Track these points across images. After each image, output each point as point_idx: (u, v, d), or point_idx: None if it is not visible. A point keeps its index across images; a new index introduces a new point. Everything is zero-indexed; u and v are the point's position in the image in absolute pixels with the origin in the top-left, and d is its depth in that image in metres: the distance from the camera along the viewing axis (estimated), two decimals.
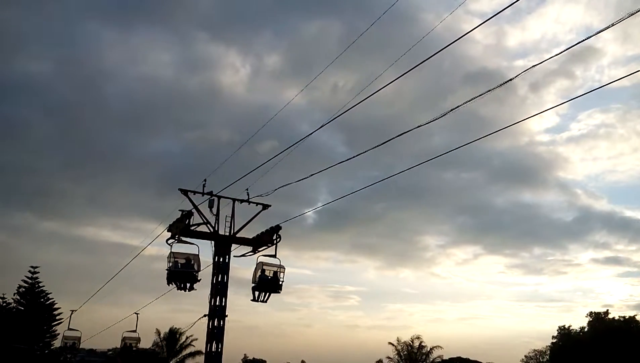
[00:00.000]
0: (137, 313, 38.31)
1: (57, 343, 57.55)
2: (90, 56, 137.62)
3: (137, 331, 40.12)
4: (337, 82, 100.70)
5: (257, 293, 22.17)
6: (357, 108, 13.20)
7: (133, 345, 41.43)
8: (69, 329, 41.09)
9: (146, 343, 65.67)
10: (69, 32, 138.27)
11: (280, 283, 22.10)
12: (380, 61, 13.05)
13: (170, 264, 22.35)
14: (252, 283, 22.19)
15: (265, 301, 22.24)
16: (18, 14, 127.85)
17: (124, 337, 40.67)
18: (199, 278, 22.53)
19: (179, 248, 22.53)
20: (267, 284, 21.94)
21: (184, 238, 22.53)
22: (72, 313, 40.90)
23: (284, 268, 22.21)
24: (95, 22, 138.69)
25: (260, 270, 22.19)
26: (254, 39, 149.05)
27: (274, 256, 22.31)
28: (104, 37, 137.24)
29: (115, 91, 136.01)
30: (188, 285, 22.52)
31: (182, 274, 22.39)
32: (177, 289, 22.49)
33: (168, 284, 22.59)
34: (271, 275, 22.19)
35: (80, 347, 44.21)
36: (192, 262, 22.67)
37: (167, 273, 22.30)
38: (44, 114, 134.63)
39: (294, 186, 18.28)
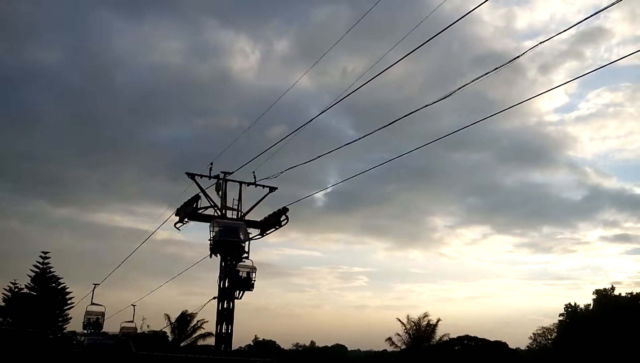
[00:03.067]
0: (134, 305, 38.97)
1: (69, 327, 58.34)
2: (101, 45, 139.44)
3: (134, 321, 40.56)
4: (347, 68, 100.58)
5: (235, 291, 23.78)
6: (366, 93, 13.24)
7: (131, 333, 42.23)
8: (92, 304, 39.26)
9: (158, 325, 66.65)
10: (79, 21, 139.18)
11: (253, 282, 23.24)
12: (390, 46, 13.10)
13: (214, 233, 21.13)
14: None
15: (240, 298, 23.53)
16: (29, 4, 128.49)
17: (122, 327, 41.45)
18: (246, 250, 21.46)
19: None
20: (240, 283, 23.39)
21: (228, 206, 21.61)
22: (95, 287, 39.22)
23: (256, 269, 23.37)
24: (105, 11, 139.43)
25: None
26: (264, 25, 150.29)
27: (247, 258, 23.58)
28: (115, 26, 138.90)
29: (126, 79, 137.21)
30: (236, 256, 21.46)
31: (228, 244, 21.27)
32: (222, 261, 21.50)
33: (211, 256, 21.48)
34: (244, 275, 23.59)
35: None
36: (239, 231, 21.60)
37: (211, 244, 21.14)
38: (56, 103, 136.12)
39: (303, 170, 18.25)
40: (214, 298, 22.57)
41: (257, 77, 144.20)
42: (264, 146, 19.06)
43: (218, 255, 21.52)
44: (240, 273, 23.88)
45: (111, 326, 42.21)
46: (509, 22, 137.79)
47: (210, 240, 21.33)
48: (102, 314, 39.63)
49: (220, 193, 23.16)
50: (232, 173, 22.73)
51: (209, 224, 23.14)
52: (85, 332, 39.78)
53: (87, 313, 39.47)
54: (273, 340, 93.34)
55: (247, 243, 22.15)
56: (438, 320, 64.13)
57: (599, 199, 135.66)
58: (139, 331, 45.09)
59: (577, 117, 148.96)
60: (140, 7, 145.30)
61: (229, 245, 21.26)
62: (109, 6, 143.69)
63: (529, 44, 11.67)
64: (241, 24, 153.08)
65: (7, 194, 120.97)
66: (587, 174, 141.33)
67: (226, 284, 22.38)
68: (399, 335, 64.11)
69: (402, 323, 64.13)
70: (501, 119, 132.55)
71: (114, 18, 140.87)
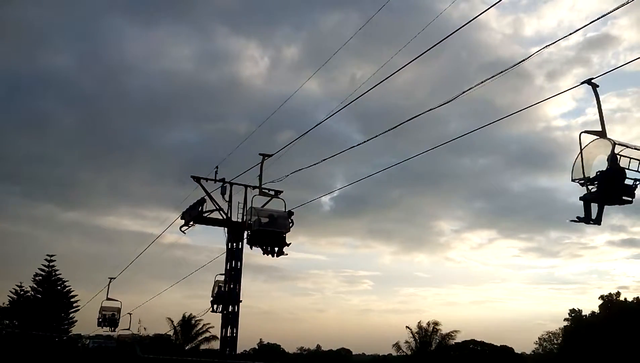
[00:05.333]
0: (130, 314, 38.24)
1: (75, 330, 58.51)
2: (112, 51, 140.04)
3: (130, 329, 39.85)
4: (356, 75, 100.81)
5: (215, 305, 24.36)
6: (375, 99, 13.30)
7: (128, 340, 41.99)
8: (108, 299, 37.12)
9: (162, 329, 66.85)
10: (91, 27, 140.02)
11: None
12: (399, 52, 13.03)
13: (252, 222, 19.37)
14: (211, 297, 24.62)
15: (222, 312, 24.13)
16: (42, 10, 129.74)
17: (119, 335, 41.17)
18: (288, 242, 19.47)
19: (259, 201, 19.93)
20: (223, 298, 24.05)
21: (264, 190, 19.82)
22: (110, 282, 37.04)
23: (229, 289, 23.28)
24: (117, 18, 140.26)
25: (217, 287, 25.08)
26: (273, 32, 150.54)
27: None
28: (126, 32, 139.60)
29: (137, 84, 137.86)
30: (276, 249, 19.50)
31: (269, 234, 19.23)
32: (264, 253, 19.61)
33: (251, 247, 19.62)
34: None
35: (98, 333, 44.40)
36: (279, 221, 19.58)
37: (251, 233, 19.29)
38: (66, 108, 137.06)
39: (310, 174, 18.06)
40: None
41: (266, 83, 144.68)
42: (271, 150, 18.94)
43: (257, 246, 19.59)
44: (223, 289, 24.63)
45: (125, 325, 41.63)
46: (516, 30, 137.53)
47: (249, 229, 19.65)
48: (118, 310, 37.83)
49: (225, 196, 23.19)
50: (238, 176, 22.49)
51: (214, 226, 23.21)
52: (100, 328, 38.34)
53: (102, 309, 37.68)
54: (278, 343, 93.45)
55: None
56: (454, 332, 64.39)
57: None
58: (135, 333, 44.95)
59: (584, 122, 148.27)
60: (152, 14, 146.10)
61: (271, 236, 19.38)
62: (121, 13, 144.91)
63: (536, 50, 11.64)
64: (251, 31, 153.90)
65: (16, 198, 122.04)
66: None
67: (231, 286, 22.41)
68: (407, 342, 64.13)
69: (410, 330, 64.20)
70: (509, 125, 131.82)
71: (125, 25, 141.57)
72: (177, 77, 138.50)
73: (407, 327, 64.68)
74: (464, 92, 12.15)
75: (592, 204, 10.72)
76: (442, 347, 64.19)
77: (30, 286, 57.23)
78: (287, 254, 19.54)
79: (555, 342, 71.40)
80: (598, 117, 10.58)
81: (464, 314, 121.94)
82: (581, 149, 10.66)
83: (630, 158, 10.63)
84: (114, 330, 38.28)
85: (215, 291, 25.33)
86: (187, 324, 65.19)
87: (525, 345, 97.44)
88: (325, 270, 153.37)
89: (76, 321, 59.00)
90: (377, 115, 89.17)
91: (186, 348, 63.79)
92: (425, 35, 12.44)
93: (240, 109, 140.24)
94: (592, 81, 10.47)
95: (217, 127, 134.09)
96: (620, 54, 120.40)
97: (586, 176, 10.59)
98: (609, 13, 9.96)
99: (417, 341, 63.53)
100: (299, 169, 17.72)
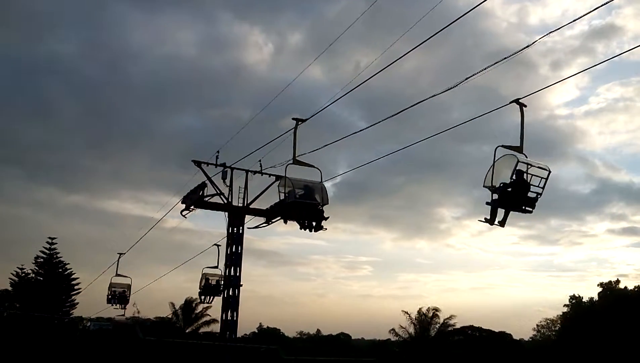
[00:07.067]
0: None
1: (76, 312, 58.88)
2: (116, 37, 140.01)
3: (124, 314, 39.67)
4: (361, 62, 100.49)
5: (202, 297, 27.43)
6: (379, 86, 13.31)
7: (129, 322, 42.34)
8: (117, 275, 35.55)
9: (164, 312, 67.36)
10: (95, 13, 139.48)
11: (222, 289, 24.18)
12: (405, 40, 12.85)
13: (285, 194, 18.01)
14: (199, 289, 27.26)
15: (211, 303, 27.72)
16: None
17: (115, 318, 41.71)
18: (326, 216, 17.96)
19: (293, 172, 17.79)
20: (210, 290, 26.90)
21: (300, 160, 17.30)
22: (120, 257, 35.58)
23: (224, 277, 23.93)
24: (121, 4, 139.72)
25: (204, 279, 27.21)
26: (278, 18, 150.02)
27: (217, 267, 26.20)
28: (130, 19, 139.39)
29: (140, 70, 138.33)
30: (314, 222, 18.03)
31: (306, 207, 17.77)
32: (300, 228, 18.21)
33: (285, 221, 18.88)
34: (214, 282, 26.84)
35: (99, 315, 44.68)
36: (314, 191, 18.03)
37: (285, 206, 18.17)
38: (69, 94, 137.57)
39: (314, 161, 17.60)
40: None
41: (270, 70, 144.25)
42: (274, 136, 18.84)
43: (292, 220, 18.58)
44: (210, 281, 26.91)
45: (112, 313, 41.59)
46: (521, 18, 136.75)
47: (280, 201, 18.60)
48: (129, 287, 36.25)
49: (226, 181, 23.26)
50: (238, 161, 22.53)
51: (216, 211, 23.27)
52: (111, 305, 37.52)
53: (112, 285, 36.10)
54: (277, 328, 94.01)
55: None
56: (451, 316, 64.63)
57: (607, 193, 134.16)
58: (135, 316, 45.24)
59: (587, 111, 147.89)
60: (156, 0, 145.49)
61: (308, 208, 17.86)
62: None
63: (542, 40, 11.65)
64: (255, 17, 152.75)
65: (19, 181, 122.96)
66: (596, 167, 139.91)
67: (231, 271, 22.52)
68: (402, 327, 64.42)
69: (408, 316, 64.46)
70: (512, 113, 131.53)
71: (129, 10, 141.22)
72: (180, 63, 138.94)
73: (404, 311, 65.00)
74: (466, 79, 12.24)
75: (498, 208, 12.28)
76: (441, 333, 64.52)
77: (31, 269, 57.53)
78: (326, 228, 18.12)
79: (553, 328, 71.76)
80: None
81: (463, 300, 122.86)
82: (494, 162, 11.97)
83: (533, 175, 12.24)
84: (125, 308, 37.21)
85: (202, 284, 27.09)
86: (188, 307, 65.65)
87: (523, 331, 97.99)
88: (326, 256, 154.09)
89: (78, 303, 59.43)
90: (382, 102, 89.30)
91: (187, 331, 64.32)
92: (430, 23, 12.45)
93: (243, 96, 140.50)
94: (520, 101, 11.73)
95: (220, 114, 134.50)
96: (625, 43, 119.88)
97: (493, 185, 12.12)
98: (611, 0, 9.97)
99: (415, 327, 63.85)
100: (301, 154, 17.64)
